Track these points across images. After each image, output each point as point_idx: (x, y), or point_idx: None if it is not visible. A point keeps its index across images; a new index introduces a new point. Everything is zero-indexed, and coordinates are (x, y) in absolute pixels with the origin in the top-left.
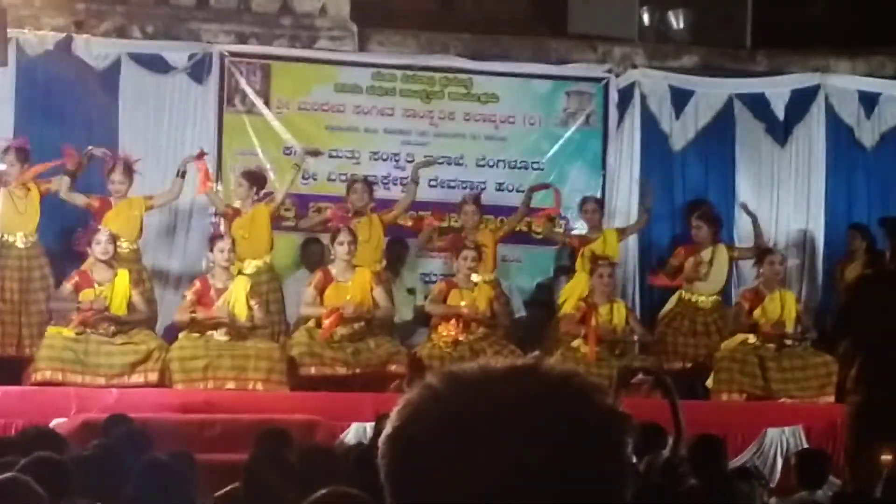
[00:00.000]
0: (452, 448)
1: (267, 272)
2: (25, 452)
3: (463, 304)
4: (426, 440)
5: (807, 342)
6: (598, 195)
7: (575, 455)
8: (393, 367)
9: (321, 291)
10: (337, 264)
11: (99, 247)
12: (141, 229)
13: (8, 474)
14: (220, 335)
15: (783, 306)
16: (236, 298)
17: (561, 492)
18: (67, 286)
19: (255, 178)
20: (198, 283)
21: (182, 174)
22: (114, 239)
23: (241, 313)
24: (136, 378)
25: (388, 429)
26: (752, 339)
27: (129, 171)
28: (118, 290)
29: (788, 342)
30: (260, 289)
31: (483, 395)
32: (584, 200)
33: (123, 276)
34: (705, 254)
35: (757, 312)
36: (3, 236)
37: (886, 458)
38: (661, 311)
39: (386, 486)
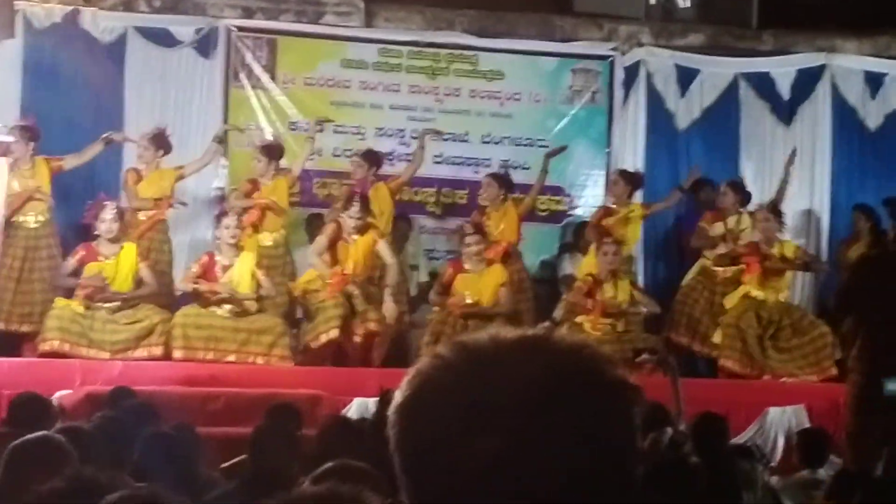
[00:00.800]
0: (462, 419)
1: (283, 245)
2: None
3: (467, 293)
4: (436, 411)
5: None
6: (604, 173)
7: (585, 426)
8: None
9: (332, 244)
10: (346, 230)
11: (104, 225)
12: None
13: (40, 433)
14: (223, 311)
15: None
16: (241, 275)
17: (571, 462)
18: (72, 261)
19: (273, 151)
20: (205, 257)
21: (220, 140)
22: (121, 215)
23: (245, 289)
24: (141, 352)
25: (398, 399)
26: (754, 291)
27: (160, 140)
28: (123, 264)
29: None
30: (276, 262)
31: (494, 365)
32: (617, 173)
33: (130, 249)
34: (731, 220)
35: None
36: (13, 216)
37: None
38: (683, 280)
39: (395, 457)
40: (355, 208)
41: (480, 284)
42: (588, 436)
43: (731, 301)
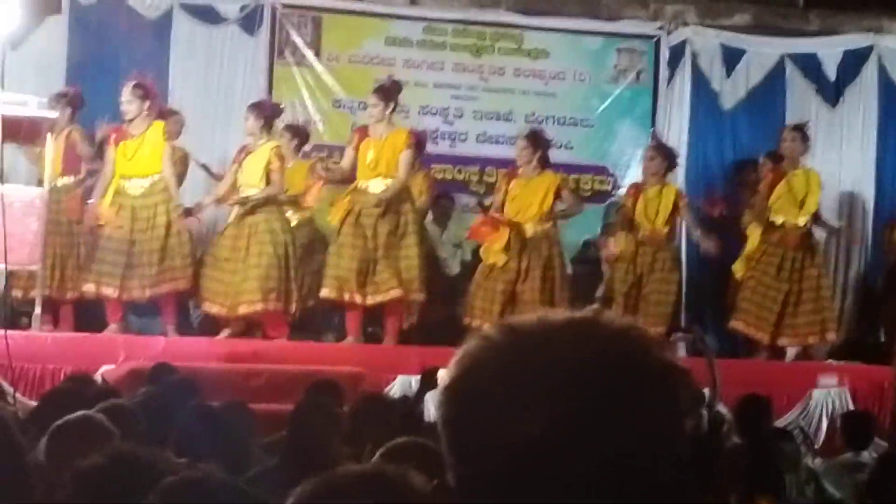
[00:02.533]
0: (509, 399)
1: (307, 224)
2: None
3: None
4: (483, 391)
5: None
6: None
7: (631, 408)
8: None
9: (356, 148)
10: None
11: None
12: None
13: (80, 412)
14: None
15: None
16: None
17: (616, 444)
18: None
19: (298, 133)
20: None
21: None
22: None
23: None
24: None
25: (446, 379)
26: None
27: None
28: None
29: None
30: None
31: (541, 346)
32: (653, 148)
33: (158, 126)
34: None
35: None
36: (54, 182)
37: None
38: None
39: (442, 435)
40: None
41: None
42: (632, 418)
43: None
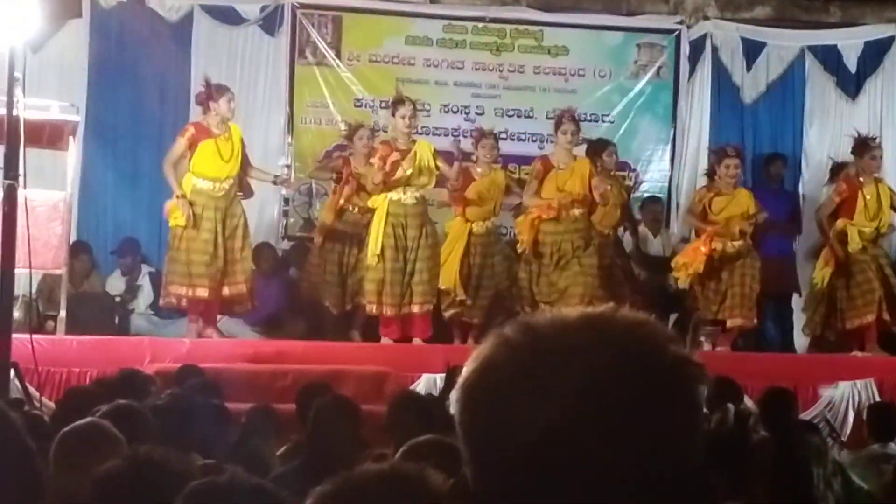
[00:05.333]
0: (525, 396)
1: None
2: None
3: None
4: (499, 389)
5: None
6: (670, 148)
7: (647, 404)
8: None
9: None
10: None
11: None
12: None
13: (86, 419)
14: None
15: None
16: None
17: (632, 441)
18: (182, 141)
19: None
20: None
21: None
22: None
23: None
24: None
25: (462, 377)
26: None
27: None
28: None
29: None
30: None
31: (556, 343)
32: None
33: (236, 130)
34: (868, 191)
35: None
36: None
37: None
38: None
39: (459, 434)
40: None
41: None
42: (649, 414)
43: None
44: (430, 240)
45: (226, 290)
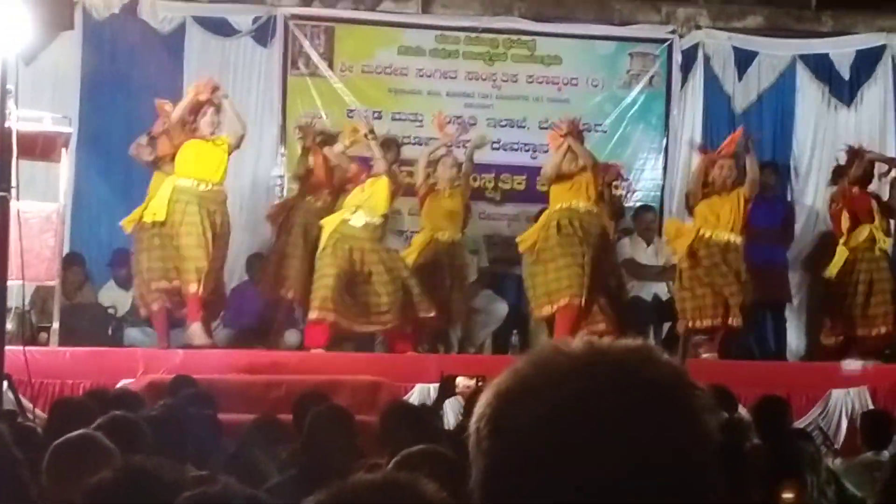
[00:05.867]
0: (536, 434)
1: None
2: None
3: None
4: (512, 425)
5: None
6: (662, 157)
7: (646, 436)
8: None
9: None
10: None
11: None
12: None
13: (79, 431)
14: None
15: None
16: None
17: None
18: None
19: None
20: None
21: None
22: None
23: None
24: None
25: (479, 409)
26: None
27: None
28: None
29: None
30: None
31: (562, 378)
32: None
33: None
34: None
35: None
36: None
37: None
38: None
39: (481, 464)
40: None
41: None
42: (651, 445)
43: None
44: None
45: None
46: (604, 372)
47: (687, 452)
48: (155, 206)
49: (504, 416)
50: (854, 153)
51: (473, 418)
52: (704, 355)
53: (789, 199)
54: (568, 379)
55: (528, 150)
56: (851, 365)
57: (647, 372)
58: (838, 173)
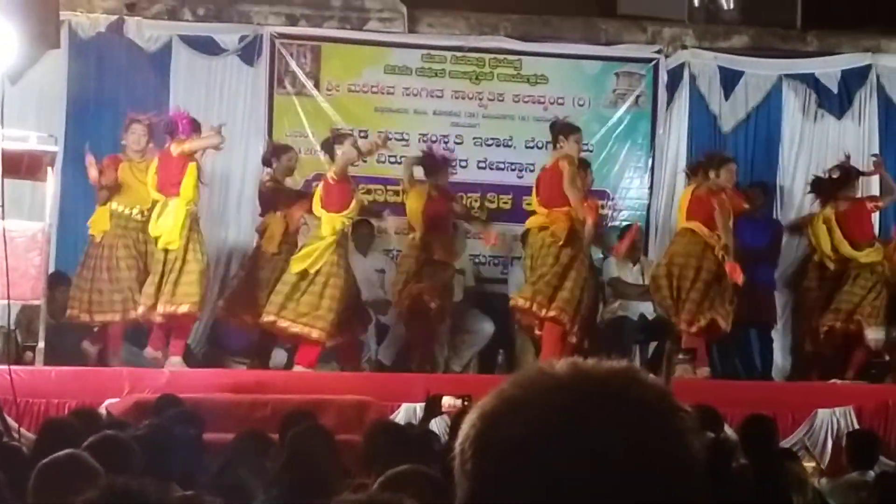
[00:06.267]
0: (522, 458)
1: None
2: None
3: None
4: (496, 449)
5: None
6: (648, 177)
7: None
8: None
9: None
10: None
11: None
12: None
13: (66, 451)
14: None
15: None
16: None
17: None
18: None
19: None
20: None
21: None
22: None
23: None
24: None
25: (464, 430)
26: None
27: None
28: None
29: None
30: None
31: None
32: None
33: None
34: None
35: None
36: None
37: None
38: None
39: (465, 485)
40: None
41: None
42: (635, 466)
43: None
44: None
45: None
46: (588, 393)
47: (672, 474)
48: (171, 235)
49: (488, 438)
50: (846, 170)
51: (458, 440)
52: (697, 371)
53: (776, 218)
54: (553, 400)
55: (514, 170)
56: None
57: (632, 392)
58: (824, 187)
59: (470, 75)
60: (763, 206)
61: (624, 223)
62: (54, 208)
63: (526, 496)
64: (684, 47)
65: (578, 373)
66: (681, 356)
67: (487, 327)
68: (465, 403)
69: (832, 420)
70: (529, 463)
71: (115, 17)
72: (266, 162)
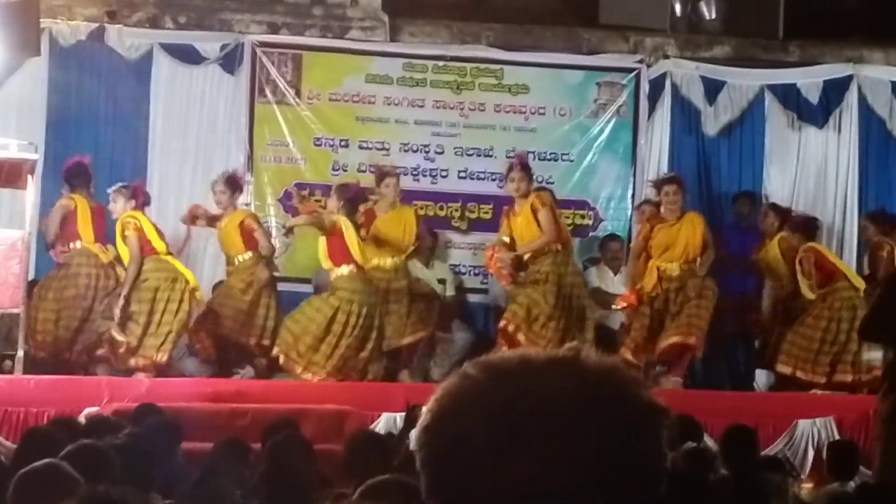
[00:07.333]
0: (491, 441)
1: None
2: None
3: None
4: (465, 432)
5: None
6: (630, 187)
7: (613, 449)
8: None
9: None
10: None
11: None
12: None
13: (45, 460)
14: None
15: None
16: None
17: (597, 485)
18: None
19: (234, 184)
20: None
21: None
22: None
23: None
24: None
25: (425, 419)
26: None
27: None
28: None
29: None
30: None
31: (522, 387)
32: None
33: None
34: None
35: None
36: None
37: None
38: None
39: (422, 476)
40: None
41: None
42: (615, 459)
43: None
44: None
45: None
46: (533, 381)
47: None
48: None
49: (434, 430)
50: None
51: (416, 429)
52: (671, 378)
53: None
54: (509, 377)
55: (494, 179)
56: None
57: (569, 378)
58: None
59: (451, 85)
60: (750, 215)
61: (606, 233)
62: (34, 217)
63: (479, 471)
64: (666, 57)
65: (524, 362)
66: (659, 367)
67: (467, 336)
68: None
69: (813, 431)
70: (482, 439)
71: (96, 24)
72: None
